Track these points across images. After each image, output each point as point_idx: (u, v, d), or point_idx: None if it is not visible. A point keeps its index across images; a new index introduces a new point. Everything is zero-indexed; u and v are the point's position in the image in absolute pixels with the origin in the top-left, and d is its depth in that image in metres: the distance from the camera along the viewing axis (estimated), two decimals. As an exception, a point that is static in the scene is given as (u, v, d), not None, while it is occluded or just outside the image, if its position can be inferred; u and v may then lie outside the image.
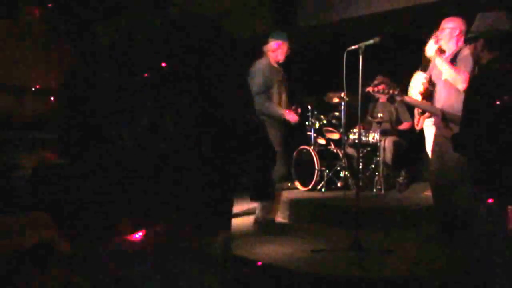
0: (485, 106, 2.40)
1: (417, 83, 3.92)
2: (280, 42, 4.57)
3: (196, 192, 1.37)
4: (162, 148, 1.28)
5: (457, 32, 3.75)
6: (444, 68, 3.64)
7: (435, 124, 3.78)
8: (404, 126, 6.35)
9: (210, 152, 1.39)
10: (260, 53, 4.65)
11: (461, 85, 3.50)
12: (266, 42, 4.64)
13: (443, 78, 3.67)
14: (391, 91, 3.70)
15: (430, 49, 3.76)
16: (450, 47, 3.80)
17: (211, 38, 1.46)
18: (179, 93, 1.33)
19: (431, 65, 3.95)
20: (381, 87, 3.73)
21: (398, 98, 3.76)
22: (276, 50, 4.58)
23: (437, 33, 3.81)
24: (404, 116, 6.34)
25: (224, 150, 1.43)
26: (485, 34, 2.58)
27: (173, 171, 1.31)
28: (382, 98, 6.50)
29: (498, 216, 2.35)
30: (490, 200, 2.34)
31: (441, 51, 3.89)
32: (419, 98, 3.85)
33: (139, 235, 1.24)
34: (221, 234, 1.54)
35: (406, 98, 3.76)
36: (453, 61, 3.69)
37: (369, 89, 3.83)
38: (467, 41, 2.77)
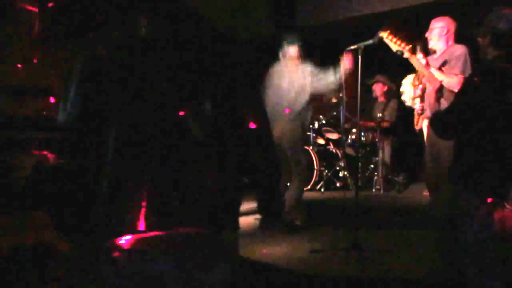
0: (479, 101, 2.41)
1: (408, 87, 3.94)
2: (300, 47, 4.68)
3: (216, 192, 1.39)
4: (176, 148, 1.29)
5: (445, 31, 3.78)
6: (438, 76, 3.65)
7: (428, 95, 3.75)
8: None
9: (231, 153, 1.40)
10: (258, 54, 4.68)
11: (457, 88, 3.50)
12: (268, 43, 4.70)
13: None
14: (403, 44, 3.66)
15: (419, 63, 3.74)
16: (440, 47, 3.82)
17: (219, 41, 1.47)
18: (202, 97, 1.33)
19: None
20: (395, 38, 3.68)
21: (405, 56, 3.72)
22: (301, 56, 4.66)
23: (426, 33, 3.83)
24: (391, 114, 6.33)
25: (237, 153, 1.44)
26: (493, 31, 2.58)
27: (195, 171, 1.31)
28: (380, 98, 6.51)
29: (484, 216, 2.35)
30: (484, 202, 2.34)
31: (430, 52, 3.90)
32: (413, 101, 3.87)
33: (144, 235, 1.24)
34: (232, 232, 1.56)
35: (413, 59, 3.72)
36: (444, 61, 3.70)
37: (383, 33, 3.73)
38: (477, 35, 2.76)
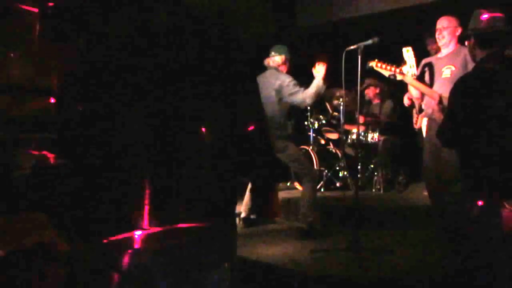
0: (470, 104, 2.41)
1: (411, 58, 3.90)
2: (287, 57, 4.63)
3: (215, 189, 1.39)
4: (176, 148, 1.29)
5: (459, 31, 3.71)
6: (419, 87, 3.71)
7: (431, 107, 3.75)
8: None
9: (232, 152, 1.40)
10: (259, 54, 4.66)
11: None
12: (266, 48, 4.66)
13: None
14: (393, 68, 3.70)
15: (414, 82, 3.76)
16: (450, 47, 3.75)
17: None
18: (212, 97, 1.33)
19: (421, 66, 3.92)
20: (384, 64, 3.73)
21: (399, 78, 3.74)
22: (285, 64, 4.61)
23: (437, 32, 3.78)
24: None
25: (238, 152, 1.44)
26: (476, 32, 2.59)
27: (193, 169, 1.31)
28: (375, 100, 6.51)
29: (492, 217, 2.35)
30: (480, 203, 2.34)
31: (431, 51, 3.89)
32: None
33: (142, 234, 1.25)
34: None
35: (407, 79, 3.74)
36: (450, 60, 3.68)
37: (372, 63, 3.78)
38: (464, 39, 2.77)
